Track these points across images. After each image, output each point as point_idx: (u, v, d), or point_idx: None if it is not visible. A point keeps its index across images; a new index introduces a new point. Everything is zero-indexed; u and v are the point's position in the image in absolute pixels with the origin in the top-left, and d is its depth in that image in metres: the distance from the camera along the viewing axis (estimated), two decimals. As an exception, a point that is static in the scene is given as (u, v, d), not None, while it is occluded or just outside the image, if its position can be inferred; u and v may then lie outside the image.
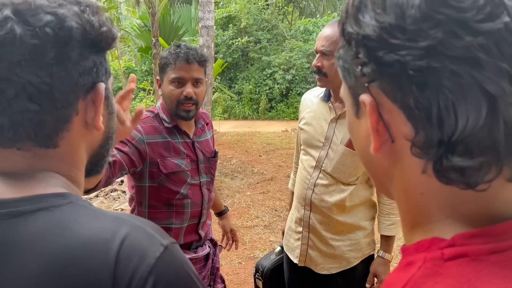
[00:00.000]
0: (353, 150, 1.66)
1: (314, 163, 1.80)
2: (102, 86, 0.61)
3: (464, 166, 0.37)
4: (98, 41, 0.59)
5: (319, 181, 1.78)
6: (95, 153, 0.67)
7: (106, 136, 0.67)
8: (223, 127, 10.51)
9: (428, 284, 0.38)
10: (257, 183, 6.03)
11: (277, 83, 13.24)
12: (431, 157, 0.39)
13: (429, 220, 0.43)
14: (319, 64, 1.65)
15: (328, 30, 1.62)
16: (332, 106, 1.77)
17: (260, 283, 2.15)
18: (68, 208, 0.55)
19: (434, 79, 0.37)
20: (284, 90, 13.41)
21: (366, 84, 0.43)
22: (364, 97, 0.43)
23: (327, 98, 1.80)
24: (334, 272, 1.84)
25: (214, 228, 4.46)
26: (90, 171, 0.68)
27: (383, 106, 0.42)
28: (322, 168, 1.78)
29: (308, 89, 14.21)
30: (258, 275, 2.15)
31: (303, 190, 1.84)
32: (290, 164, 7.05)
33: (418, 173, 0.42)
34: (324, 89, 1.80)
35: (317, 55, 1.66)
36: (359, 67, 0.43)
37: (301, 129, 1.90)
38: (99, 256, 0.51)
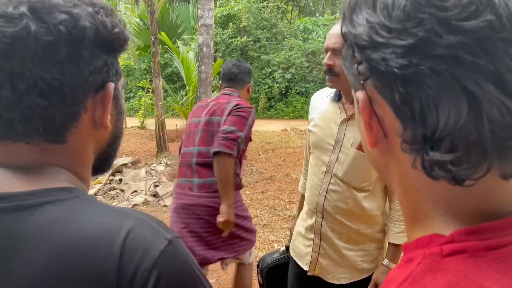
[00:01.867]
0: (364, 153, 1.61)
1: (324, 168, 1.69)
2: (111, 85, 0.63)
3: (443, 160, 0.38)
4: (110, 42, 0.61)
5: (331, 187, 1.66)
6: (103, 152, 0.69)
7: (114, 136, 0.69)
8: (222, 126, 10.48)
9: (427, 279, 0.39)
10: (256, 182, 6.02)
11: (277, 82, 13.23)
12: (419, 152, 0.40)
13: (427, 215, 0.44)
14: (330, 62, 1.52)
15: (340, 27, 1.58)
16: (342, 107, 1.66)
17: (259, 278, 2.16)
18: (74, 201, 0.56)
19: (415, 77, 0.38)
20: (283, 89, 13.41)
21: (361, 82, 0.45)
22: (358, 94, 0.46)
23: (337, 98, 1.68)
24: (344, 282, 1.73)
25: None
26: (97, 169, 0.70)
27: (377, 102, 0.44)
28: (333, 173, 1.65)
29: (308, 88, 14.21)
30: (258, 270, 2.16)
31: (314, 196, 1.72)
32: (289, 163, 7.04)
33: (411, 168, 0.43)
34: (334, 89, 1.70)
35: (328, 53, 1.54)
36: (356, 65, 0.45)
37: (310, 131, 1.79)
38: (104, 248, 0.52)
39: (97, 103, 0.62)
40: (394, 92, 0.40)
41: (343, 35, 0.47)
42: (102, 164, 0.70)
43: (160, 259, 0.53)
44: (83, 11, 0.57)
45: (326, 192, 1.68)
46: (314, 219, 1.73)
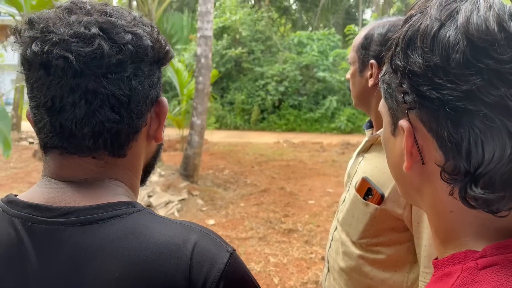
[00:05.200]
0: (362, 197, 1.17)
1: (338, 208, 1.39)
2: (165, 100, 0.67)
3: (485, 198, 0.43)
4: (162, 58, 0.66)
5: (335, 234, 1.31)
6: (148, 163, 0.72)
7: (159, 148, 0.74)
8: (215, 137, 10.47)
9: None
10: (250, 194, 5.99)
11: (270, 95, 13.28)
12: (457, 183, 0.44)
13: (460, 234, 0.48)
14: (348, 76, 1.33)
15: (355, 39, 1.31)
16: (371, 135, 1.29)
17: None
18: (138, 215, 0.59)
19: (468, 119, 0.42)
20: (276, 102, 13.46)
21: (406, 111, 0.48)
22: (403, 123, 0.49)
23: (367, 124, 1.35)
24: None
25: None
26: (142, 181, 0.73)
27: (419, 132, 0.48)
28: (338, 216, 1.33)
29: (301, 101, 14.31)
30: None
31: (328, 241, 1.41)
32: (283, 176, 7.03)
33: (447, 194, 0.47)
34: None
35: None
36: (402, 94, 0.48)
37: None
38: (173, 260, 0.55)
39: (153, 117, 0.66)
40: (443, 129, 0.44)
41: (392, 64, 0.49)
42: (145, 176, 0.73)
43: (225, 272, 0.56)
44: (143, 31, 0.62)
45: (332, 238, 1.34)
46: (324, 269, 1.43)
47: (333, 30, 15.41)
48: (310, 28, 19.30)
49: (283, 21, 18.39)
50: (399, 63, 0.47)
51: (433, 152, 0.46)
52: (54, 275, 0.54)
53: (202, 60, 6.00)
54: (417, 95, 0.45)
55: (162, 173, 6.34)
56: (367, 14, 21.16)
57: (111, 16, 0.60)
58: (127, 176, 0.65)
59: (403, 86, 0.47)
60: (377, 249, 1.16)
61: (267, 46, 14.36)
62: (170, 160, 7.57)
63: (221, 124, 13.26)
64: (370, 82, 1.19)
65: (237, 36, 13.83)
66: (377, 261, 1.17)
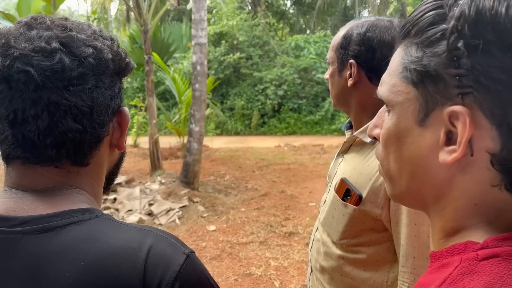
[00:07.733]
0: (341, 198, 1.18)
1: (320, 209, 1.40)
2: (126, 109, 0.70)
3: None
4: (123, 70, 0.69)
5: (317, 234, 1.33)
6: (111, 171, 0.75)
7: (121, 157, 0.76)
8: (215, 143, 10.49)
9: (465, 281, 0.41)
10: (251, 199, 6.00)
11: (269, 99, 13.32)
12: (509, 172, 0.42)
13: (468, 227, 0.47)
14: (326, 76, 1.32)
15: (334, 39, 1.30)
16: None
17: None
18: (95, 221, 0.60)
19: None
20: (276, 106, 13.49)
21: (459, 95, 0.43)
22: (459, 109, 0.43)
23: (347, 125, 1.36)
24: None
25: (210, 238, 4.42)
26: (105, 188, 0.75)
27: (472, 118, 0.43)
28: (319, 217, 1.35)
29: (300, 104, 14.26)
30: None
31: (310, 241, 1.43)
32: (284, 179, 7.03)
33: (486, 185, 0.44)
34: None
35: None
36: (456, 77, 0.43)
37: None
38: (128, 264, 0.56)
39: (115, 126, 0.69)
40: (509, 114, 0.41)
41: (449, 43, 0.43)
42: (108, 183, 0.75)
43: (180, 273, 0.58)
44: (103, 44, 0.64)
45: (314, 239, 1.35)
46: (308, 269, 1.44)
47: (328, 32, 15.45)
48: (308, 31, 19.34)
49: (280, 25, 18.45)
50: (462, 43, 0.42)
51: (486, 140, 0.42)
52: (12, 283, 0.56)
53: (198, 68, 6.04)
54: (485, 77, 0.41)
55: (163, 181, 6.36)
56: (364, 15, 21.19)
57: (71, 30, 0.62)
58: (89, 184, 0.67)
59: (462, 68, 0.42)
60: (357, 249, 1.17)
61: (265, 51, 14.41)
62: (171, 168, 7.60)
63: (222, 130, 13.29)
64: (350, 82, 1.19)
65: (235, 42, 13.88)
66: (358, 261, 1.18)
